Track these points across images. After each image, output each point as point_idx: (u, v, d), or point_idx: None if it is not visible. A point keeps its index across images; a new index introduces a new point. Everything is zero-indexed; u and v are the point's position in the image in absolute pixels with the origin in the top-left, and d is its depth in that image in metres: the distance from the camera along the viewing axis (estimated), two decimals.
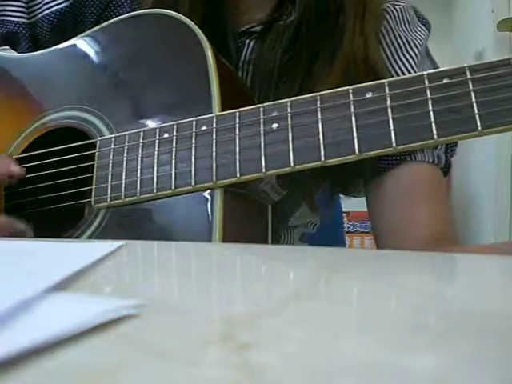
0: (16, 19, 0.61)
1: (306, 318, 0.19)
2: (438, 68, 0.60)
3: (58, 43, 0.56)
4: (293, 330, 0.17)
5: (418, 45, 0.57)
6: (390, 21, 0.56)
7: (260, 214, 0.49)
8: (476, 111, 0.34)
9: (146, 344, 0.16)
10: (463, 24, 2.73)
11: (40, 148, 0.51)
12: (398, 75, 0.54)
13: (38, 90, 0.54)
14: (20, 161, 0.51)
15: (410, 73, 0.55)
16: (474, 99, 0.34)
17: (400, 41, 0.56)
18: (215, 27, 0.54)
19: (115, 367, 0.14)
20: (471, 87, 0.34)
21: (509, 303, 0.21)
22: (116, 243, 0.32)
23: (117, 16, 0.56)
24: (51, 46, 0.57)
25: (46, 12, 0.60)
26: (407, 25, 0.57)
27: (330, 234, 0.86)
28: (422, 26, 0.59)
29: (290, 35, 0.54)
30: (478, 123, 0.34)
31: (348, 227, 2.36)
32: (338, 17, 0.52)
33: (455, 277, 0.28)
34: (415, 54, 0.56)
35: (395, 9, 0.57)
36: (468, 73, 0.35)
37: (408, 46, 0.56)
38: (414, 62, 0.56)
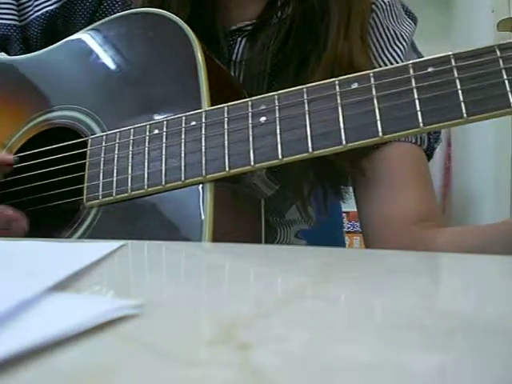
0: (7, 21, 0.61)
1: (306, 318, 0.19)
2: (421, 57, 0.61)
3: (49, 45, 0.57)
4: (293, 330, 0.17)
5: (405, 37, 0.58)
6: (379, 13, 0.57)
7: (252, 207, 0.49)
8: (461, 99, 0.34)
9: (146, 344, 0.16)
10: (463, 24, 2.73)
11: (34, 148, 0.51)
12: (385, 66, 0.56)
13: (31, 90, 0.55)
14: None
15: (395, 62, 0.56)
16: (459, 87, 0.34)
17: (388, 33, 0.57)
18: (205, 25, 0.54)
19: (115, 367, 0.14)
20: (456, 75, 0.34)
21: (509, 303, 0.21)
22: (116, 243, 0.32)
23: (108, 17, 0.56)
24: (43, 48, 0.57)
25: (37, 14, 0.60)
26: (395, 18, 0.59)
27: (329, 234, 0.86)
28: (409, 20, 0.61)
29: (281, 37, 0.55)
30: (464, 111, 0.34)
31: (348, 227, 2.36)
32: (323, 19, 0.53)
33: (455, 277, 0.28)
34: (403, 46, 0.58)
35: (384, 2, 0.58)
36: (453, 61, 0.35)
37: (396, 39, 0.57)
38: (402, 54, 0.57)
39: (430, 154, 0.59)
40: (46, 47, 0.56)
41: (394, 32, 0.57)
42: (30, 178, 0.51)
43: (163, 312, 0.19)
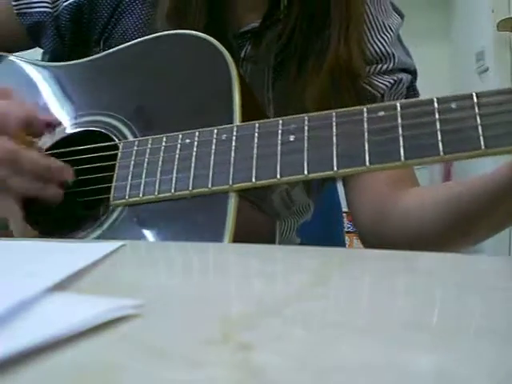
0: (42, 9, 0.63)
1: (306, 318, 0.19)
2: (408, 54, 0.64)
3: (77, 35, 0.61)
4: (293, 330, 0.17)
5: (392, 28, 0.63)
6: (370, 5, 0.62)
7: (269, 227, 0.51)
8: (480, 133, 0.36)
9: (146, 344, 0.16)
10: (463, 24, 2.73)
11: (64, 147, 0.53)
12: (372, 53, 0.61)
13: (69, 96, 0.57)
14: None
15: (382, 52, 0.61)
16: (479, 122, 0.36)
17: (377, 22, 0.62)
18: (218, 29, 0.57)
19: (115, 367, 0.14)
20: (477, 111, 0.37)
21: (509, 303, 0.21)
22: (116, 243, 0.32)
23: (128, 12, 0.60)
24: (71, 37, 0.62)
25: (66, 4, 0.63)
26: (384, 11, 0.64)
27: (330, 234, 0.87)
28: (396, 15, 0.65)
29: (285, 36, 0.58)
30: (482, 143, 0.36)
31: (348, 227, 2.36)
32: (324, 24, 0.56)
33: (455, 277, 0.28)
34: (390, 36, 0.62)
35: None
36: (475, 98, 0.37)
37: (384, 28, 0.62)
38: (388, 43, 0.62)
39: None
40: (74, 37, 0.61)
41: (383, 22, 0.62)
42: None
43: (163, 312, 0.19)
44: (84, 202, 0.51)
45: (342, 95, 0.55)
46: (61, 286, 0.21)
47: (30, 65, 0.62)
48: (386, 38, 0.62)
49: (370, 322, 0.18)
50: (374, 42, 0.61)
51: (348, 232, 2.39)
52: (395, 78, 0.61)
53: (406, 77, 0.63)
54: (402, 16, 0.66)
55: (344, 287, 0.24)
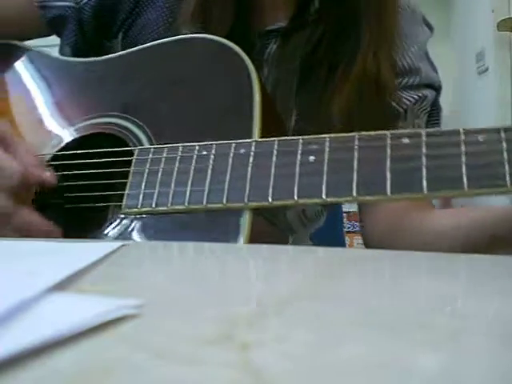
0: (65, 3, 0.63)
1: (306, 317, 0.19)
2: (435, 69, 0.63)
3: (98, 30, 0.61)
4: (293, 330, 0.17)
5: (420, 40, 0.62)
6: (402, 15, 0.60)
7: (282, 242, 0.51)
8: (507, 170, 0.35)
9: (146, 344, 0.16)
10: (463, 24, 2.73)
11: (78, 149, 0.52)
12: (399, 66, 0.59)
13: (84, 94, 0.56)
14: (54, 157, 0.53)
15: (410, 66, 0.59)
16: (505, 157, 0.35)
17: (407, 35, 0.60)
18: (242, 27, 0.56)
19: (115, 367, 0.14)
20: (504, 146, 0.36)
21: (509, 303, 0.21)
22: (116, 243, 0.32)
23: (150, 5, 0.60)
24: (93, 31, 0.61)
25: None
26: (414, 23, 0.62)
27: (330, 234, 0.87)
28: (426, 28, 0.64)
29: (313, 39, 0.57)
30: (508, 180, 0.35)
31: (348, 227, 2.36)
32: (355, 31, 0.55)
33: (456, 277, 0.28)
34: (417, 50, 0.61)
35: (408, 6, 0.62)
36: (502, 133, 0.36)
37: (412, 41, 0.60)
38: (415, 57, 0.60)
39: None
40: (95, 30, 0.61)
41: (411, 32, 0.60)
42: (69, 176, 0.51)
43: (163, 312, 0.19)
44: (88, 208, 0.50)
45: (367, 108, 0.54)
46: (61, 286, 0.21)
47: (47, 59, 0.61)
48: (413, 51, 0.60)
49: (370, 322, 0.18)
50: (402, 55, 0.60)
51: (348, 232, 2.39)
52: (420, 95, 0.60)
53: (430, 93, 0.61)
54: (431, 29, 0.65)
55: (344, 287, 0.24)
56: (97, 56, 0.59)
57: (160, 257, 0.35)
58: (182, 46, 0.53)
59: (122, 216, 0.45)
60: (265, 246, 0.37)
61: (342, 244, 0.95)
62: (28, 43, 0.66)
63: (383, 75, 0.54)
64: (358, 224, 2.34)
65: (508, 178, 0.35)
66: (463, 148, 0.37)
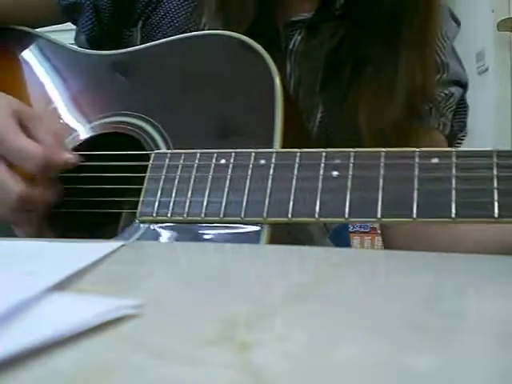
0: None
1: (306, 318, 0.19)
2: (461, 65, 0.61)
3: (116, 17, 0.59)
4: (293, 330, 0.17)
5: (448, 35, 0.59)
6: None
7: None
8: None
9: (145, 344, 0.16)
10: (463, 24, 2.73)
11: (91, 148, 0.51)
12: None
13: (102, 90, 0.55)
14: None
15: (437, 61, 0.57)
16: None
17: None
18: (266, 17, 0.54)
19: (115, 367, 0.14)
20: None
21: (509, 303, 0.21)
22: (116, 243, 0.32)
23: None
24: (110, 19, 0.59)
25: None
26: (442, 17, 0.59)
27: (337, 235, 0.86)
28: (453, 22, 0.62)
29: (339, 34, 0.54)
30: None
31: (348, 227, 2.36)
32: (393, 34, 0.53)
33: (455, 277, 0.28)
34: (445, 45, 0.59)
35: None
36: None
37: (440, 36, 0.58)
38: (443, 52, 0.58)
39: (451, 141, 0.59)
40: (112, 18, 0.59)
41: (440, 29, 0.57)
42: (83, 178, 0.50)
43: (163, 312, 0.19)
44: (99, 210, 0.49)
45: (396, 109, 0.52)
46: (61, 286, 0.21)
47: (62, 50, 0.60)
48: (441, 46, 0.58)
49: (370, 322, 0.18)
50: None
51: (349, 232, 2.40)
52: (446, 92, 0.58)
53: (457, 91, 0.59)
54: (458, 24, 0.62)
55: (344, 287, 0.24)
56: (114, 45, 0.58)
57: (160, 257, 0.35)
58: (200, 43, 0.51)
59: (137, 225, 0.44)
60: (265, 246, 0.37)
61: (347, 244, 0.94)
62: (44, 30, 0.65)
63: (430, 86, 0.53)
64: (358, 224, 2.34)
65: None
66: (495, 171, 0.34)
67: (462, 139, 0.62)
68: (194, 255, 0.36)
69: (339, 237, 0.89)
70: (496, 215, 0.33)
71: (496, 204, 0.33)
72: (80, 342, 0.15)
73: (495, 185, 0.34)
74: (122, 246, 0.32)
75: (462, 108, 0.61)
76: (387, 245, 0.60)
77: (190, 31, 0.55)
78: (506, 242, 0.43)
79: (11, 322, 0.16)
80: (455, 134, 0.60)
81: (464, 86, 0.61)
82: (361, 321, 0.18)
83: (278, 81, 0.45)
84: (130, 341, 0.16)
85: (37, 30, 0.64)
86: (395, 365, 0.14)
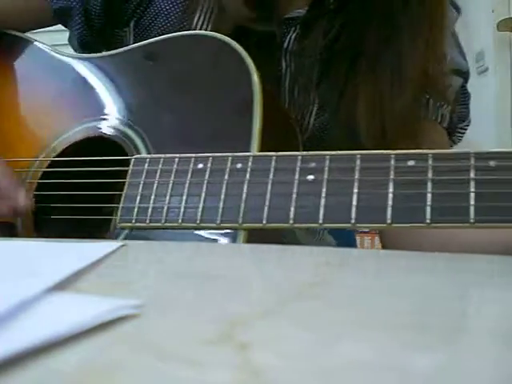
0: None
1: (306, 317, 0.19)
2: (462, 52, 0.59)
3: (107, 19, 0.59)
4: (293, 330, 0.17)
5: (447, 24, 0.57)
6: None
7: None
8: None
9: (146, 344, 0.16)
10: (463, 24, 2.73)
11: (74, 153, 0.51)
12: None
13: (83, 94, 0.55)
14: (53, 164, 0.53)
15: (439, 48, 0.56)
16: None
17: None
18: (261, 13, 0.54)
19: (115, 367, 0.14)
20: None
21: (509, 303, 0.21)
22: (116, 243, 0.32)
23: None
24: (101, 21, 0.59)
25: None
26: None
27: (343, 235, 0.86)
28: (452, 9, 0.60)
29: (334, 28, 0.54)
30: None
31: None
32: (394, 24, 0.52)
33: (455, 277, 0.28)
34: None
35: None
36: None
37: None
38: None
39: (451, 132, 0.58)
40: (103, 20, 0.59)
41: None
42: (65, 184, 0.51)
43: (163, 312, 0.19)
44: (90, 214, 0.49)
45: (398, 99, 0.51)
46: (61, 286, 0.21)
47: (48, 54, 0.60)
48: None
49: (370, 322, 0.18)
50: None
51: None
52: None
53: (456, 81, 0.58)
54: (458, 10, 0.60)
55: (344, 287, 0.24)
56: (106, 47, 0.58)
57: (160, 257, 0.35)
58: (182, 45, 0.51)
59: (118, 230, 0.44)
60: (265, 246, 0.37)
61: (353, 244, 0.94)
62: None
63: (441, 79, 0.52)
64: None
65: None
66: (472, 174, 0.33)
67: (465, 129, 0.61)
68: (194, 255, 0.36)
69: (346, 238, 0.89)
70: (472, 220, 0.32)
71: (472, 208, 0.33)
72: (80, 341, 0.15)
73: (472, 189, 0.33)
74: (122, 246, 0.32)
75: (462, 97, 0.60)
76: (384, 245, 0.60)
77: (182, 31, 0.55)
78: (494, 240, 0.42)
79: (11, 322, 0.16)
80: (455, 126, 0.59)
81: (464, 74, 0.60)
82: (361, 320, 0.18)
83: (256, 82, 0.45)
84: (130, 341, 0.16)
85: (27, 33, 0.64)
86: (397, 364, 0.14)
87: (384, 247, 0.59)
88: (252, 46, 0.54)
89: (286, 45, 0.56)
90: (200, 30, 0.55)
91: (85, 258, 0.26)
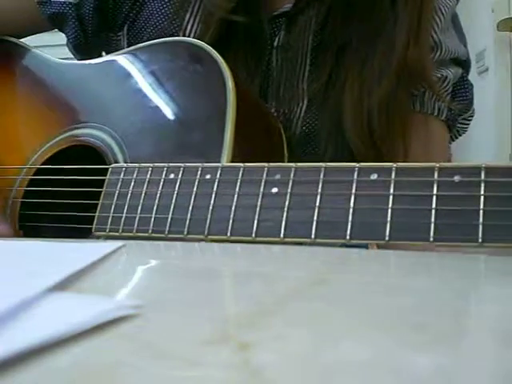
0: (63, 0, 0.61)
1: (306, 317, 0.19)
2: (462, 39, 0.58)
3: (101, 24, 0.60)
4: (293, 330, 0.17)
5: (443, 11, 0.56)
6: None
7: None
8: (481, 220, 0.31)
9: (146, 344, 0.16)
10: (463, 24, 2.73)
11: (59, 161, 0.53)
12: None
13: (70, 101, 0.56)
14: (38, 172, 0.54)
15: (432, 37, 0.54)
16: (481, 206, 0.31)
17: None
18: (250, 12, 0.53)
19: (115, 367, 0.14)
20: (482, 191, 0.31)
21: (508, 303, 0.21)
22: (116, 243, 0.32)
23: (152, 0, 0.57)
24: (95, 26, 0.60)
25: None
26: None
27: None
28: None
29: (319, 20, 0.54)
30: (480, 235, 0.30)
31: None
32: (387, 11, 0.51)
33: (455, 276, 0.28)
34: (439, 20, 0.56)
35: None
36: (483, 174, 0.31)
37: (434, 11, 0.55)
38: (436, 29, 0.55)
39: (451, 125, 0.58)
40: (97, 25, 0.60)
41: (433, 3, 0.54)
42: (49, 192, 0.52)
43: (163, 312, 0.19)
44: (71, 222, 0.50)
45: (383, 86, 0.50)
46: (61, 286, 0.21)
47: (39, 61, 0.61)
48: (434, 22, 0.54)
49: (370, 322, 0.18)
50: None
51: None
52: (439, 75, 0.55)
53: (453, 72, 0.57)
54: None
55: (344, 287, 0.24)
56: (105, 51, 0.59)
57: (160, 257, 0.35)
58: (162, 51, 0.52)
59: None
60: (265, 246, 0.37)
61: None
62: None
63: (427, 70, 0.51)
64: None
65: (480, 233, 0.30)
66: (435, 190, 0.32)
67: (469, 119, 0.60)
68: (194, 255, 0.36)
69: None
70: (431, 238, 0.32)
71: (432, 226, 0.32)
72: (80, 342, 0.15)
73: (433, 205, 0.32)
74: (122, 246, 0.32)
75: (463, 87, 0.58)
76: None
77: (174, 33, 0.56)
78: None
79: (12, 322, 0.16)
80: (455, 117, 0.58)
81: (464, 63, 0.58)
82: (361, 320, 0.18)
83: (231, 90, 0.45)
84: (130, 341, 0.16)
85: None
86: (396, 364, 0.14)
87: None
88: (240, 42, 0.54)
89: (275, 43, 0.56)
90: (190, 29, 0.56)
91: (85, 258, 0.26)
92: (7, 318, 0.16)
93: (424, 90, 0.54)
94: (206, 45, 0.48)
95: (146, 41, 0.54)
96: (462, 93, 0.59)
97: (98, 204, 0.46)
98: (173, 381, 0.13)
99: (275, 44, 0.56)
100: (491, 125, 1.95)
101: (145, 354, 0.15)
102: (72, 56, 0.65)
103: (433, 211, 0.32)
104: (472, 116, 0.60)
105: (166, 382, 0.13)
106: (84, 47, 0.62)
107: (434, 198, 0.32)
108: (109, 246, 0.31)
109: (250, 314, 0.19)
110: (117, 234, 0.44)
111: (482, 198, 0.31)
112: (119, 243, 0.32)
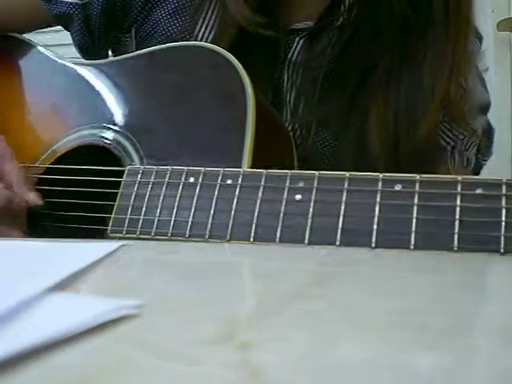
0: (70, 0, 0.61)
1: (305, 318, 0.19)
2: (483, 84, 0.56)
3: (108, 27, 0.59)
4: (293, 330, 0.17)
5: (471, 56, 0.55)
6: None
7: None
8: (503, 232, 0.32)
9: (146, 344, 0.16)
10: None
11: (70, 161, 0.52)
12: None
13: (81, 101, 0.56)
14: (48, 171, 0.53)
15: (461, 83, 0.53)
16: (503, 218, 0.32)
17: None
18: (267, 22, 0.52)
19: (115, 367, 0.14)
20: (504, 204, 0.32)
21: (509, 303, 0.21)
22: (116, 243, 0.32)
23: (161, 3, 0.57)
24: (101, 27, 0.59)
25: None
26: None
27: None
28: (475, 39, 0.56)
29: (342, 42, 0.53)
30: (502, 245, 0.31)
31: None
32: (418, 44, 0.49)
33: (455, 276, 0.28)
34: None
35: None
36: (504, 187, 0.33)
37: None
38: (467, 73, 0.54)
39: (476, 173, 0.57)
40: (104, 26, 0.59)
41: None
42: (59, 192, 0.51)
43: (163, 312, 0.19)
44: (84, 223, 0.50)
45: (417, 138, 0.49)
46: (61, 286, 0.21)
47: (48, 59, 0.60)
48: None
49: (370, 322, 0.18)
50: None
51: None
52: (469, 130, 0.53)
53: (481, 122, 0.56)
54: (480, 39, 0.56)
55: (344, 287, 0.24)
56: (113, 52, 0.59)
57: (160, 257, 0.35)
58: (181, 56, 0.52)
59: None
60: (265, 246, 0.37)
61: None
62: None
63: (457, 104, 0.50)
64: None
65: (503, 243, 0.31)
66: (458, 202, 0.33)
67: (486, 160, 0.60)
68: (194, 255, 0.36)
69: None
70: (455, 248, 0.33)
71: (456, 236, 0.33)
72: (80, 341, 0.15)
73: (457, 216, 0.33)
74: (122, 246, 0.32)
75: (488, 135, 0.58)
76: None
77: (183, 40, 0.55)
78: None
79: (12, 322, 0.16)
80: (481, 165, 0.57)
81: (486, 107, 0.57)
82: (361, 320, 0.18)
83: (251, 97, 0.45)
84: (130, 341, 0.16)
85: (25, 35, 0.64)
86: (396, 364, 0.14)
87: None
88: (253, 53, 0.53)
89: (290, 56, 0.55)
90: (202, 36, 0.55)
91: (85, 258, 0.26)
92: (7, 318, 0.16)
93: (455, 144, 0.54)
94: (224, 51, 0.48)
95: (154, 45, 0.53)
96: (488, 139, 0.58)
97: (106, 205, 0.46)
98: (173, 380, 0.13)
99: (289, 57, 0.55)
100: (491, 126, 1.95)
101: (145, 353, 0.15)
102: (79, 56, 0.65)
103: (456, 222, 0.33)
104: (488, 159, 0.60)
105: (166, 381, 0.13)
106: (90, 49, 0.62)
107: (458, 209, 0.33)
108: (109, 246, 0.31)
109: (250, 314, 0.19)
110: (134, 235, 0.43)
111: (504, 210, 0.32)
112: (119, 243, 0.32)
